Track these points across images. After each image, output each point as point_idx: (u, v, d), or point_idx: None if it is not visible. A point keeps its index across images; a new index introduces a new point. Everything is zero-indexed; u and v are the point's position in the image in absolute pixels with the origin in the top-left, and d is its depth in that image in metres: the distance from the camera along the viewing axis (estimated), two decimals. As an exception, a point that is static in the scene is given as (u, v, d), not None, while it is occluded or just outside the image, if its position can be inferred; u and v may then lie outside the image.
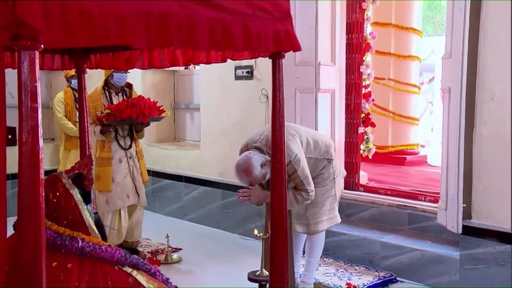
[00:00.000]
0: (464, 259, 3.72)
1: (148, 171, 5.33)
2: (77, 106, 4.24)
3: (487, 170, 3.58)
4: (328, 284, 3.99)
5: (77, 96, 4.48)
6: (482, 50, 3.54)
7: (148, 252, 4.75)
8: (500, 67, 3.46)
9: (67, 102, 5.51)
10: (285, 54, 2.05)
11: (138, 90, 5.08)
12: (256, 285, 3.14)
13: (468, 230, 3.65)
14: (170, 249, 4.63)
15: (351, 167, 5.10)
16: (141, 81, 6.19)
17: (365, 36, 5.24)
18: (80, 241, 1.97)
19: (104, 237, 2.21)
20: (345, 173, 4.17)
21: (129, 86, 4.62)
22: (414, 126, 7.31)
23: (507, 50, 3.41)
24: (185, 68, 6.55)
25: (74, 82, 5.26)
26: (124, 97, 4.48)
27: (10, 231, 1.51)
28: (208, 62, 2.49)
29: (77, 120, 4.46)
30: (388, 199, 4.72)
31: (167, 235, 4.51)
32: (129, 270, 2.05)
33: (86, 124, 2.82)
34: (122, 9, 1.44)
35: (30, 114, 1.23)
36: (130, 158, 4.47)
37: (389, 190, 4.90)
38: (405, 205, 4.55)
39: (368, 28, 5.36)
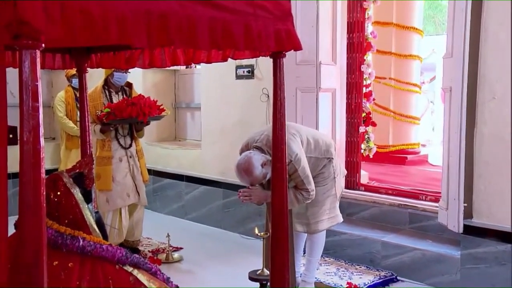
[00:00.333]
0: (465, 259, 3.72)
1: (149, 170, 5.35)
2: (78, 105, 4.26)
3: (488, 170, 3.57)
4: (329, 283, 3.99)
5: (78, 95, 4.49)
6: (483, 49, 3.54)
7: (149, 251, 4.75)
8: (501, 66, 3.46)
9: (68, 102, 5.51)
10: (286, 53, 2.05)
11: (139, 90, 5.09)
12: (257, 284, 3.14)
13: (469, 230, 3.64)
14: (171, 248, 4.63)
15: (352, 167, 5.10)
16: (142, 80, 6.20)
17: (366, 35, 5.24)
18: (81, 240, 1.97)
19: (105, 236, 2.21)
20: (345, 172, 4.17)
21: (129, 85, 4.62)
22: (415, 125, 7.31)
23: (508, 49, 3.41)
24: (186, 68, 6.55)
25: (75, 81, 5.27)
26: (124, 96, 4.49)
27: (11, 230, 1.51)
28: (209, 61, 2.49)
29: (78, 119, 4.50)
30: (389, 198, 4.72)
31: (168, 234, 4.51)
32: (130, 269, 2.05)
33: (87, 123, 2.83)
34: (123, 8, 1.44)
35: (31, 113, 1.23)
36: (130, 157, 4.47)
37: (390, 190, 4.90)
38: (406, 205, 4.55)
39: (369, 28, 5.36)
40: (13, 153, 1.28)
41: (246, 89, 5.23)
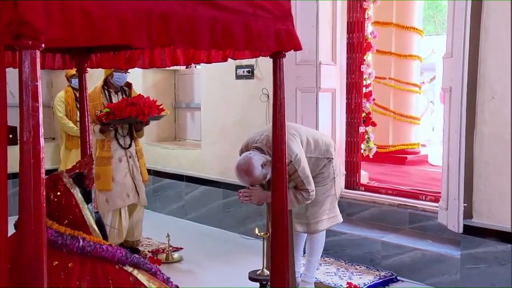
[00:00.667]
0: (465, 259, 3.72)
1: (149, 170, 5.35)
2: (78, 105, 4.26)
3: (488, 170, 3.57)
4: (328, 283, 3.98)
5: (77, 95, 4.50)
6: (483, 49, 3.54)
7: (149, 251, 4.75)
8: (501, 66, 3.46)
9: (67, 102, 5.51)
10: (286, 53, 2.05)
11: (139, 90, 5.09)
12: (257, 284, 3.15)
13: (469, 230, 3.64)
14: (171, 248, 4.63)
15: (352, 167, 5.10)
16: (142, 80, 6.19)
17: (366, 35, 5.24)
18: (81, 240, 1.97)
19: (105, 237, 2.21)
20: (344, 172, 4.17)
21: (129, 85, 4.61)
22: (415, 125, 7.31)
23: (508, 49, 3.40)
24: (186, 68, 6.55)
25: (75, 82, 5.26)
26: (124, 96, 4.48)
27: (11, 231, 1.51)
28: (209, 61, 2.49)
29: (78, 119, 4.50)
30: (389, 198, 4.72)
31: (168, 234, 4.51)
32: (130, 269, 2.05)
33: (87, 123, 2.83)
34: (123, 8, 1.44)
35: (31, 113, 1.23)
36: (130, 157, 4.47)
37: (390, 190, 4.90)
38: (406, 205, 4.55)
39: (369, 28, 5.35)
40: (13, 153, 1.28)
41: (246, 89, 5.23)
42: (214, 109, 5.60)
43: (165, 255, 4.56)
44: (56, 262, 1.90)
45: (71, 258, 1.94)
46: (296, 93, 4.62)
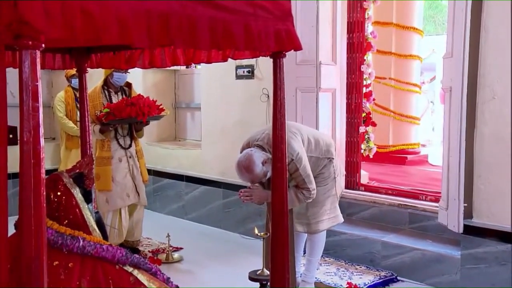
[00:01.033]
0: (465, 259, 3.72)
1: (149, 170, 5.35)
2: (78, 105, 4.26)
3: (488, 170, 3.57)
4: (329, 283, 3.98)
5: (77, 95, 4.50)
6: (483, 49, 3.54)
7: (149, 251, 4.75)
8: (501, 66, 3.46)
9: (67, 102, 5.51)
10: (286, 53, 2.05)
11: (139, 90, 5.09)
12: (257, 284, 3.14)
13: (469, 230, 3.64)
14: (171, 248, 4.63)
15: (352, 167, 5.10)
16: (142, 80, 6.20)
17: (366, 35, 5.23)
18: (81, 240, 1.97)
19: (105, 237, 2.21)
20: (344, 172, 4.16)
21: (129, 85, 4.61)
22: (415, 125, 7.31)
23: (508, 49, 3.40)
24: (186, 68, 6.55)
25: (75, 82, 5.27)
26: (124, 96, 4.48)
27: (11, 230, 1.51)
28: (209, 61, 2.49)
29: (78, 119, 4.50)
30: (389, 198, 4.72)
31: (168, 234, 4.51)
32: (130, 269, 2.05)
33: (87, 123, 2.83)
34: (123, 8, 1.44)
35: (31, 113, 1.23)
36: (130, 157, 4.47)
37: (390, 190, 4.90)
38: (406, 205, 4.55)
39: (369, 28, 5.35)
40: (13, 153, 1.28)
41: (246, 89, 5.23)
42: (214, 109, 5.60)
43: (165, 255, 4.57)
44: (57, 262, 1.91)
45: (72, 258, 1.94)
46: (296, 93, 4.62)
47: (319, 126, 4.54)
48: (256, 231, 3.17)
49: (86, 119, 2.83)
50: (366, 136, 5.41)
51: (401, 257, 4.13)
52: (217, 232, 5.46)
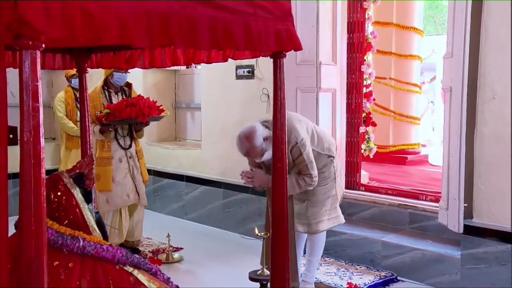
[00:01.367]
0: (465, 259, 3.71)
1: (149, 170, 5.35)
2: (78, 105, 4.25)
3: (488, 170, 3.57)
4: (329, 283, 3.99)
5: (77, 95, 4.49)
6: (483, 49, 3.54)
7: (149, 251, 4.75)
8: (502, 66, 3.46)
9: (67, 102, 5.51)
10: (286, 53, 2.05)
11: (139, 90, 5.09)
12: (257, 284, 3.14)
13: (469, 230, 3.64)
14: (171, 248, 4.63)
15: (352, 167, 5.10)
16: (142, 80, 6.20)
17: (366, 35, 5.24)
18: (81, 241, 1.97)
19: (105, 237, 2.21)
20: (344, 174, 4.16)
21: (129, 85, 4.61)
22: (415, 125, 7.31)
23: (508, 49, 3.40)
24: (186, 68, 6.55)
25: (75, 82, 5.27)
26: (124, 97, 4.48)
27: (11, 230, 1.51)
28: (209, 61, 2.49)
29: (78, 119, 4.49)
30: (389, 198, 4.72)
31: (168, 234, 4.51)
32: (130, 269, 2.05)
33: (87, 123, 2.83)
34: (123, 8, 1.44)
35: (31, 113, 1.23)
36: (130, 157, 4.47)
37: (390, 190, 4.90)
38: (406, 205, 4.55)
39: (369, 28, 5.35)
40: (14, 153, 1.28)
41: (246, 89, 5.23)
42: (214, 109, 5.60)
43: (165, 255, 4.56)
44: (57, 262, 1.91)
45: (72, 258, 1.94)
46: (297, 93, 4.62)
47: (320, 126, 4.53)
48: (256, 231, 3.17)
49: (86, 119, 2.83)
50: (366, 136, 5.41)
51: (401, 257, 4.13)
52: (217, 232, 5.46)
